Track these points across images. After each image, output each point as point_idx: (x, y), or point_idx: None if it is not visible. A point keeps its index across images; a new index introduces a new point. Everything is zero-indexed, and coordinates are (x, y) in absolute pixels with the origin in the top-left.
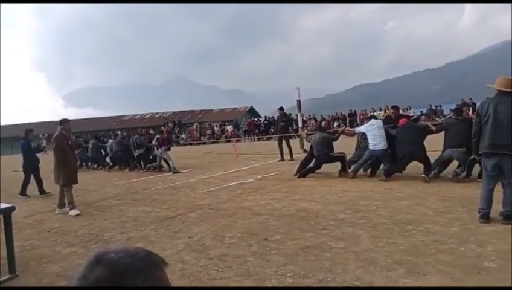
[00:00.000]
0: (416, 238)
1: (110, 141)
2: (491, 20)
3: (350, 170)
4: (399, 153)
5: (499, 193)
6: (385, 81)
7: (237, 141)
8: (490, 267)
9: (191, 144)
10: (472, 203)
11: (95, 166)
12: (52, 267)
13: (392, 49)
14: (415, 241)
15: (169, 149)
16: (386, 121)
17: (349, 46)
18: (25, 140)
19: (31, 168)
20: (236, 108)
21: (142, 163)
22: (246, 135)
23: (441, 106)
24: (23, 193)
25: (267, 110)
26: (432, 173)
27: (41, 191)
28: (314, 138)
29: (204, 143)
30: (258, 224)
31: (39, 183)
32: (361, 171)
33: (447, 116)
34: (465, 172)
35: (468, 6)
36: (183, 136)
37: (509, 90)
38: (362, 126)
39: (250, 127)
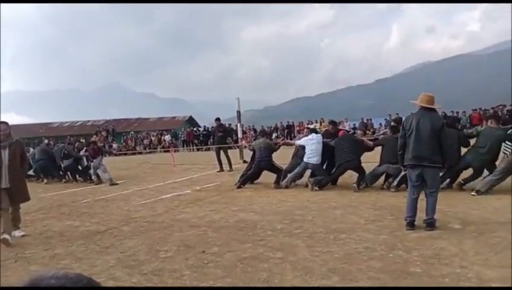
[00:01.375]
0: (350, 246)
1: (32, 150)
2: (412, 43)
3: (283, 182)
4: (336, 162)
5: (423, 201)
6: (321, 94)
7: (175, 151)
8: (416, 271)
9: (125, 154)
10: (399, 211)
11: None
12: None
13: (327, 65)
14: (348, 249)
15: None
16: (325, 135)
17: (287, 60)
18: None
19: None
20: (175, 117)
21: (69, 174)
22: (185, 145)
23: (371, 119)
24: None
25: (207, 120)
26: (364, 183)
27: None
28: (258, 143)
29: (140, 153)
30: (195, 236)
31: None
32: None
33: (381, 131)
34: (396, 183)
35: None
36: (115, 145)
37: (430, 106)
38: (302, 139)
39: (189, 137)
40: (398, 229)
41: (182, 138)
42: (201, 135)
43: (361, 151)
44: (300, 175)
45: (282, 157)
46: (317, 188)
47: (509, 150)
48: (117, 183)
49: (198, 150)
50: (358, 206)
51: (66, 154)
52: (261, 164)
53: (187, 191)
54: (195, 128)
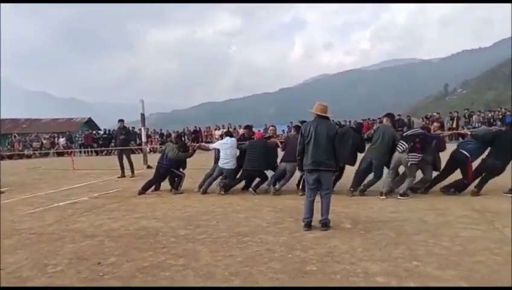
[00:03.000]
0: (252, 249)
1: None
2: (312, 56)
3: (203, 187)
4: (244, 164)
5: (319, 203)
6: (228, 100)
7: (69, 154)
8: (312, 270)
9: (10, 158)
10: (298, 213)
11: None
12: None
13: (235, 72)
14: (250, 252)
15: None
16: (240, 139)
17: (195, 65)
18: None
19: None
20: (72, 118)
21: None
22: (83, 148)
23: (274, 126)
24: None
25: (108, 123)
26: (266, 185)
27: None
28: (168, 150)
29: (29, 157)
30: (91, 247)
31: None
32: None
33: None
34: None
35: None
36: None
37: (324, 115)
38: (217, 142)
39: (88, 140)
40: (297, 231)
41: (80, 141)
42: (101, 138)
43: (273, 156)
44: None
45: (198, 162)
46: (223, 193)
47: (401, 148)
48: (3, 191)
49: (97, 154)
50: (261, 209)
51: None
52: (160, 170)
53: (83, 198)
54: (94, 131)
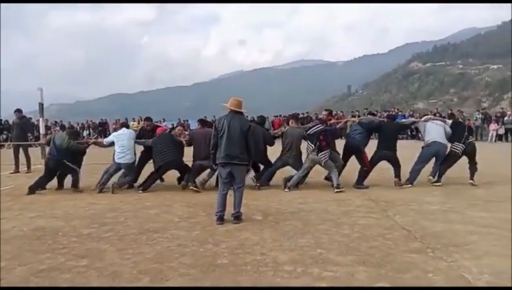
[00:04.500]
0: (162, 245)
1: None
2: (228, 52)
3: (100, 183)
4: (157, 162)
5: (231, 197)
6: (140, 93)
7: None
8: (223, 263)
9: None
10: (211, 207)
11: None
12: None
13: (147, 64)
14: (160, 249)
15: None
16: (141, 133)
17: (103, 53)
18: None
19: None
20: None
21: None
22: None
23: (187, 120)
24: None
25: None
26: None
27: None
28: (57, 139)
29: None
30: None
31: None
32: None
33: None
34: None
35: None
36: None
37: (239, 110)
38: (111, 135)
39: None
40: (210, 225)
41: None
42: None
43: (182, 153)
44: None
45: (93, 158)
46: (141, 191)
47: (310, 149)
48: None
49: None
50: (172, 204)
51: None
52: (49, 162)
53: None
54: None
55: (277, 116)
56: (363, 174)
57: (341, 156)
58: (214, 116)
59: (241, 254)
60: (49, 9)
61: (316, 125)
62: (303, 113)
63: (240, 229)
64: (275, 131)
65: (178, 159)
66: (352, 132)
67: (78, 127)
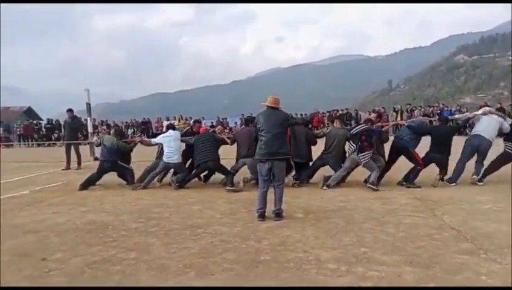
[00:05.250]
0: (206, 240)
1: None
2: (264, 50)
3: (144, 182)
4: (196, 161)
5: (272, 194)
6: (179, 92)
7: (8, 146)
8: (266, 259)
9: None
10: (252, 204)
11: None
12: None
13: (186, 63)
14: (204, 244)
15: None
16: (187, 133)
17: (144, 54)
18: None
19: None
20: (10, 107)
21: None
22: (22, 139)
23: (226, 118)
24: None
25: (50, 112)
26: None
27: None
28: (106, 141)
29: None
30: (34, 243)
31: None
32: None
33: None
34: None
35: (248, 35)
36: None
37: (276, 106)
38: (159, 137)
39: (28, 131)
40: (251, 221)
41: (18, 132)
42: (43, 129)
43: (218, 147)
44: (162, 174)
45: (138, 156)
46: (176, 186)
47: (352, 149)
48: None
49: (39, 145)
50: (214, 201)
51: None
52: (104, 164)
53: (24, 191)
54: (35, 121)
55: (315, 113)
56: (415, 172)
57: (387, 157)
58: (251, 114)
59: (283, 251)
60: (94, 13)
61: (360, 125)
62: (342, 110)
63: (281, 226)
64: (318, 131)
65: (215, 160)
66: (400, 133)
67: (123, 126)
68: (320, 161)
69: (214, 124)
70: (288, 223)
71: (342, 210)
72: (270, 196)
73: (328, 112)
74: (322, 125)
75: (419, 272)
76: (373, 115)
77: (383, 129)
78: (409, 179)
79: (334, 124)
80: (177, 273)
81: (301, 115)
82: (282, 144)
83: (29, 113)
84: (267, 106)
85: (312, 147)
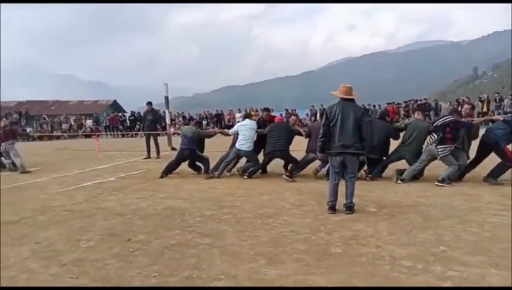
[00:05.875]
0: (276, 230)
1: None
2: (335, 39)
3: (216, 172)
4: (266, 149)
5: (343, 187)
6: (250, 84)
7: (97, 136)
8: (336, 252)
9: (40, 139)
10: (322, 196)
11: None
12: None
13: (256, 55)
14: (274, 233)
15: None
16: (259, 123)
17: (216, 48)
18: None
19: None
20: (98, 101)
21: None
22: (108, 130)
23: (295, 110)
24: None
25: (132, 105)
26: (296, 172)
27: None
28: (185, 130)
29: (58, 138)
30: (120, 225)
31: None
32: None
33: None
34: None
35: (319, 25)
36: (29, 129)
37: (350, 96)
38: (235, 126)
39: (113, 122)
40: (321, 213)
41: (105, 124)
42: (127, 121)
43: (291, 138)
44: (234, 162)
45: (218, 145)
46: (246, 176)
47: (431, 140)
48: (29, 171)
49: (123, 136)
50: (284, 192)
51: None
52: (184, 152)
53: (111, 178)
54: (120, 114)
55: (389, 103)
56: (503, 169)
57: (476, 153)
58: (322, 105)
59: (354, 245)
60: (169, 9)
61: (446, 116)
62: (420, 100)
63: (353, 219)
64: (399, 123)
65: (285, 151)
66: (493, 126)
67: (198, 118)
68: (395, 154)
69: (283, 116)
70: (360, 217)
71: (418, 206)
72: (341, 188)
73: (404, 102)
74: (397, 117)
75: (507, 275)
76: (466, 107)
77: (473, 123)
78: (493, 175)
79: (416, 116)
80: (248, 260)
81: (374, 106)
82: (356, 138)
83: (115, 106)
84: (341, 97)
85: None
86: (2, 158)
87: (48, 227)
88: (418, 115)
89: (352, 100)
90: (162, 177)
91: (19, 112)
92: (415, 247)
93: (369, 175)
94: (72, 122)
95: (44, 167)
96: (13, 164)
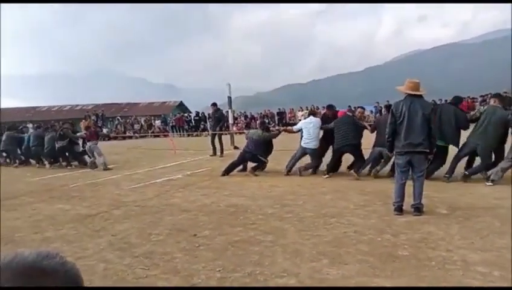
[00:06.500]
0: (339, 230)
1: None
2: (403, 32)
3: (287, 168)
4: (334, 145)
5: (410, 187)
6: (312, 82)
7: (165, 136)
8: (403, 255)
9: (114, 139)
10: (388, 197)
11: (8, 161)
12: None
13: (319, 52)
14: (337, 233)
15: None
16: (323, 120)
17: (279, 47)
18: None
19: None
20: (165, 102)
21: (62, 156)
22: (174, 130)
23: (359, 107)
24: None
25: (197, 106)
26: (362, 169)
27: None
28: (252, 134)
29: (130, 138)
30: (187, 220)
31: None
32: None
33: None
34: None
35: (385, 18)
36: (105, 130)
37: (417, 92)
38: (300, 123)
39: (179, 122)
40: (387, 214)
41: (171, 124)
42: (192, 120)
43: (360, 133)
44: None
45: (282, 144)
46: (326, 176)
47: None
48: (111, 168)
49: (188, 135)
50: (347, 191)
51: (62, 135)
52: (245, 155)
53: (178, 175)
54: (185, 114)
55: (464, 98)
56: None
57: None
58: (388, 101)
59: (423, 248)
60: (234, 11)
61: None
62: (505, 92)
63: (421, 221)
64: (472, 113)
65: (355, 145)
66: None
67: (259, 117)
68: (466, 147)
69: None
70: (429, 219)
71: (496, 209)
72: (408, 188)
73: (481, 96)
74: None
75: None
76: None
77: None
78: None
79: (492, 102)
80: (310, 259)
81: (445, 101)
82: (425, 135)
83: (181, 106)
84: (408, 93)
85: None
86: (86, 156)
87: (122, 221)
88: (494, 102)
89: (420, 96)
90: (223, 175)
91: (95, 113)
92: (491, 253)
93: (446, 176)
94: (143, 123)
95: (119, 165)
96: (94, 162)
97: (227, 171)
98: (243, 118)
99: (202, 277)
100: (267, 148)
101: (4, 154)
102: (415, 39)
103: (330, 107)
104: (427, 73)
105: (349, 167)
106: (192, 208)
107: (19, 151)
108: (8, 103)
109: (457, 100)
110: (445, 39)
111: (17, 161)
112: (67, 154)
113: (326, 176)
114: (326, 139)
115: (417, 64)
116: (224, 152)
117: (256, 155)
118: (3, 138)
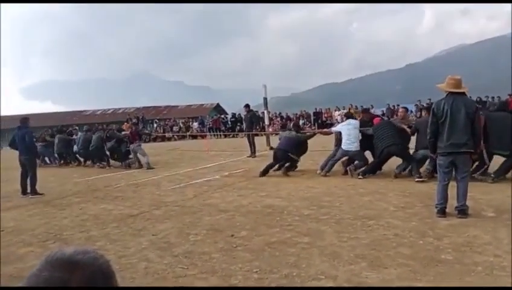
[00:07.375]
0: (378, 232)
1: (80, 133)
2: (445, 26)
3: (325, 169)
4: (377, 150)
5: (454, 188)
6: (348, 81)
7: (203, 137)
8: (447, 259)
9: (154, 140)
10: (429, 198)
11: (62, 162)
12: (6, 269)
13: (355, 50)
14: (376, 236)
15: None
16: (361, 123)
17: (315, 46)
18: (28, 129)
19: (34, 162)
20: (203, 104)
21: (114, 156)
22: (212, 131)
23: (398, 105)
24: (34, 191)
25: (233, 107)
26: (406, 170)
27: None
28: (284, 133)
29: (169, 139)
30: (224, 221)
31: (34, 181)
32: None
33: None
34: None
35: (426, 12)
36: (146, 132)
37: (459, 90)
38: (338, 125)
39: (216, 124)
40: (428, 217)
41: (208, 125)
42: (228, 122)
43: (401, 134)
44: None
45: (316, 145)
46: (360, 177)
47: None
48: (154, 168)
49: (225, 136)
50: (386, 193)
51: (109, 136)
52: (277, 153)
53: (216, 176)
54: (222, 116)
55: (511, 94)
56: None
57: None
58: (429, 100)
59: (468, 253)
60: (268, 12)
61: None
62: None
63: (466, 224)
64: None
65: (400, 144)
66: None
67: (295, 118)
68: None
69: (384, 112)
70: (475, 222)
71: None
72: (451, 190)
73: None
74: None
75: None
76: None
77: None
78: None
79: None
80: (348, 262)
81: (493, 98)
82: (469, 135)
83: (218, 108)
84: (450, 91)
85: None
86: (130, 156)
87: (163, 221)
88: None
89: (462, 93)
90: (261, 176)
91: (136, 116)
92: None
93: (493, 176)
94: (181, 125)
95: (159, 166)
96: (138, 161)
97: (264, 173)
98: (278, 119)
99: (239, 277)
100: (300, 147)
101: (56, 155)
102: (458, 33)
103: (365, 111)
104: (471, 69)
105: (347, 165)
106: (229, 208)
107: (72, 153)
108: (53, 107)
109: (502, 106)
110: (491, 32)
111: (72, 163)
112: (115, 155)
113: (360, 176)
114: (363, 145)
115: (460, 60)
116: (260, 153)
117: (287, 152)
118: (56, 140)
